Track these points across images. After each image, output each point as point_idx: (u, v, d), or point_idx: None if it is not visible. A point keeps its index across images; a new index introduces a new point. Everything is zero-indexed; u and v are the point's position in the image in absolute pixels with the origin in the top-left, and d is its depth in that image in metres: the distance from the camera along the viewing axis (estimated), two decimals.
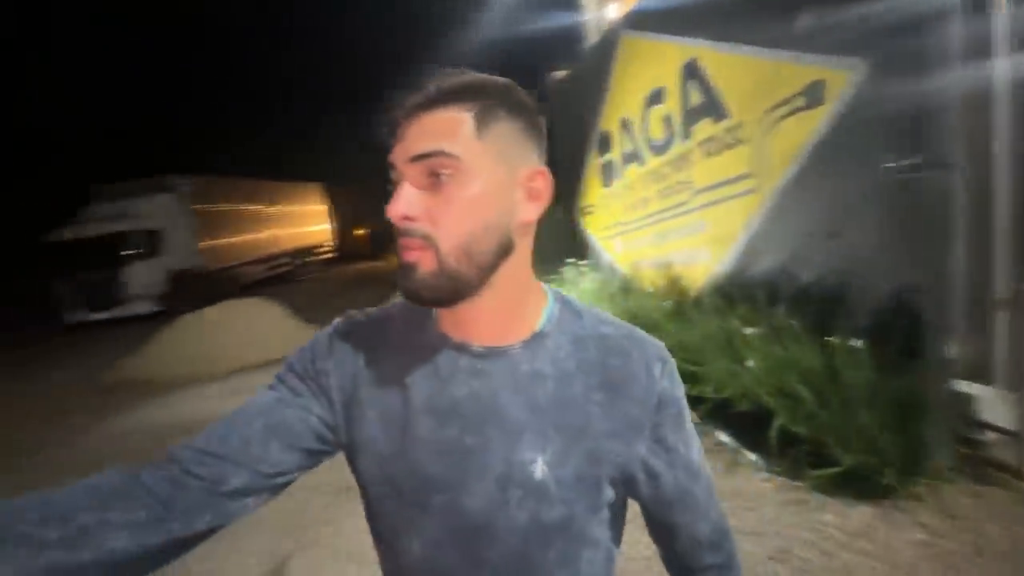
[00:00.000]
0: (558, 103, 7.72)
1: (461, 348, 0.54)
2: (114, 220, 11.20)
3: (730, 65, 3.98)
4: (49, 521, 0.40)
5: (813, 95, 3.15)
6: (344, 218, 22.43)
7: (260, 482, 0.51)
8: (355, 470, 0.58)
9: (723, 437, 2.98)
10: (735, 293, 3.80)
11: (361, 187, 21.16)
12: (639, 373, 0.55)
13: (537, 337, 0.55)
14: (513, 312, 0.55)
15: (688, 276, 4.89)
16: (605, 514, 0.57)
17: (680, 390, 0.59)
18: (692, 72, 4.48)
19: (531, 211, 0.53)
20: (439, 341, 0.56)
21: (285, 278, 16.37)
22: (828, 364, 2.66)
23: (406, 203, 0.48)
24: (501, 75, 0.52)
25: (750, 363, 2.91)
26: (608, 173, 6.65)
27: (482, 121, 0.48)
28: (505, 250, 0.51)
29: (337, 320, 0.61)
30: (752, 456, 2.75)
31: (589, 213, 7.30)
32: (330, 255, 20.55)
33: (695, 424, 0.62)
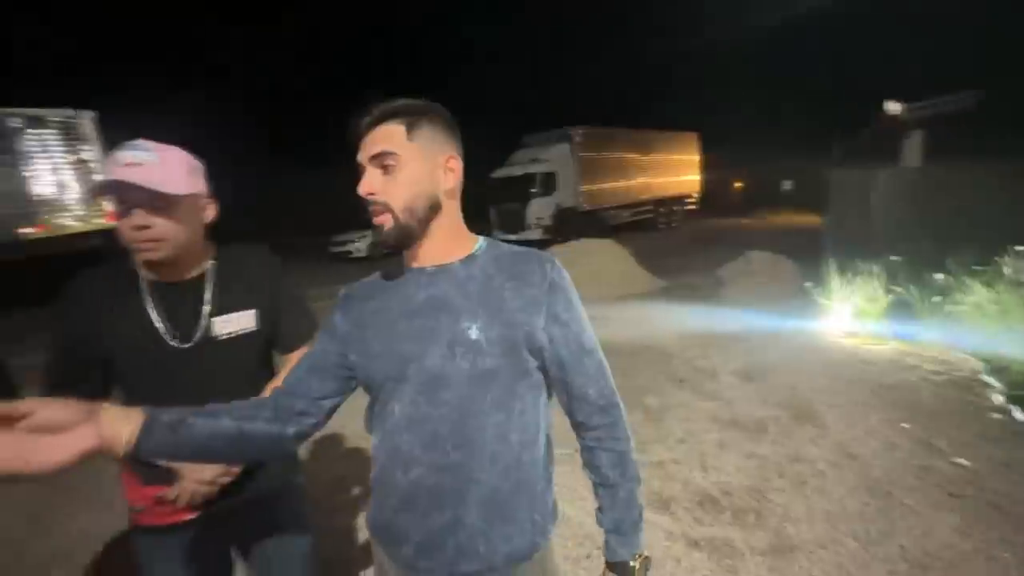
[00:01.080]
0: None
1: (420, 271, 0.83)
2: (526, 164, 14.35)
3: None
4: (231, 410, 0.80)
5: None
6: (717, 170, 21.33)
7: (314, 406, 0.85)
8: (361, 375, 0.84)
9: None
10: None
11: (740, 138, 19.36)
12: (536, 268, 0.83)
13: (470, 257, 0.84)
14: (449, 245, 0.83)
15: None
16: (529, 380, 0.82)
17: (568, 284, 0.84)
18: None
19: (449, 181, 0.82)
20: (407, 271, 0.85)
21: (644, 225, 17.27)
22: None
23: (369, 184, 0.77)
24: None
25: None
26: None
27: (410, 129, 0.78)
28: (435, 208, 0.80)
29: (343, 288, 0.91)
30: None
31: None
32: (693, 207, 20.20)
33: None
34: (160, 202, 0.98)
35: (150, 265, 1.04)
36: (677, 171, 19.13)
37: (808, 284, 5.46)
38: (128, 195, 0.96)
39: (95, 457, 0.65)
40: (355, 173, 0.80)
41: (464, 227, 0.86)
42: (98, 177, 0.91)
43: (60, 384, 1.03)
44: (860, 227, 6.05)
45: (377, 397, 0.84)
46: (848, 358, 4.18)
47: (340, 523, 2.42)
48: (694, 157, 20.22)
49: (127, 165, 0.95)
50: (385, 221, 0.78)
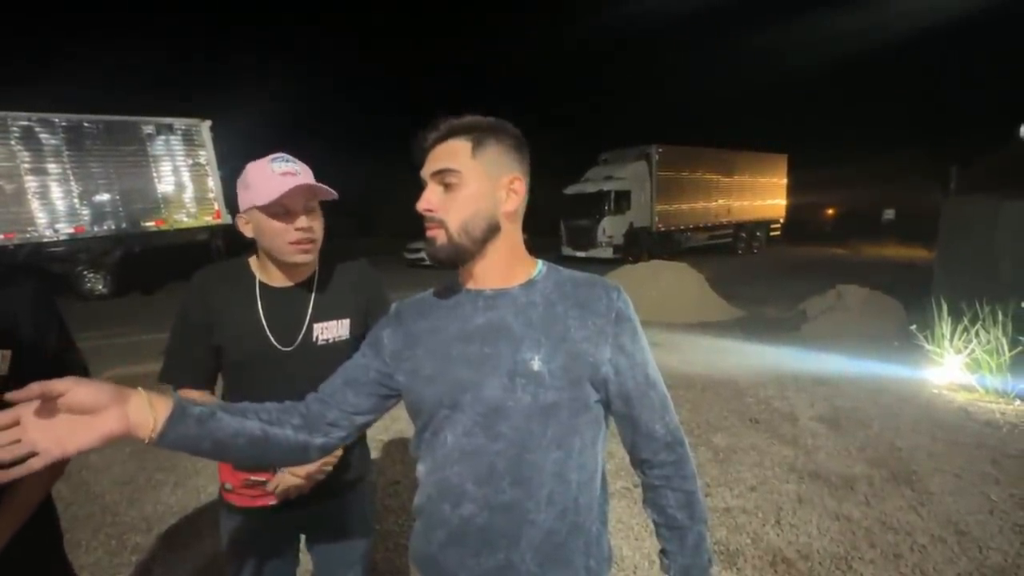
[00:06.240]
0: None
1: (478, 293, 0.80)
2: (601, 181, 14.15)
3: None
4: (260, 412, 0.78)
5: None
6: (807, 194, 19.82)
7: (345, 419, 0.83)
8: (410, 399, 0.82)
9: None
10: None
11: (835, 161, 17.89)
12: (602, 296, 0.79)
13: (531, 282, 0.81)
14: (507, 268, 0.80)
15: None
16: (589, 415, 0.78)
17: (633, 313, 0.81)
18: None
19: (511, 203, 0.78)
20: (462, 292, 0.82)
21: (721, 249, 16.41)
22: None
23: (427, 200, 0.76)
24: None
25: None
26: None
27: (476, 146, 0.75)
28: (493, 230, 0.77)
29: (394, 303, 0.90)
30: None
31: None
32: (777, 233, 18.92)
33: None
34: (313, 206, 1.05)
35: (292, 267, 1.09)
36: (762, 194, 18.06)
37: (912, 327, 4.87)
38: (296, 200, 1.02)
39: (119, 440, 0.65)
40: (418, 187, 0.79)
41: (524, 250, 0.83)
42: (270, 184, 1.00)
43: (177, 364, 1.11)
44: (980, 266, 5.34)
45: (427, 424, 0.80)
46: (959, 416, 3.65)
47: (388, 528, 2.44)
48: (781, 180, 19.01)
49: (286, 174, 1.00)
50: (438, 236, 0.76)
